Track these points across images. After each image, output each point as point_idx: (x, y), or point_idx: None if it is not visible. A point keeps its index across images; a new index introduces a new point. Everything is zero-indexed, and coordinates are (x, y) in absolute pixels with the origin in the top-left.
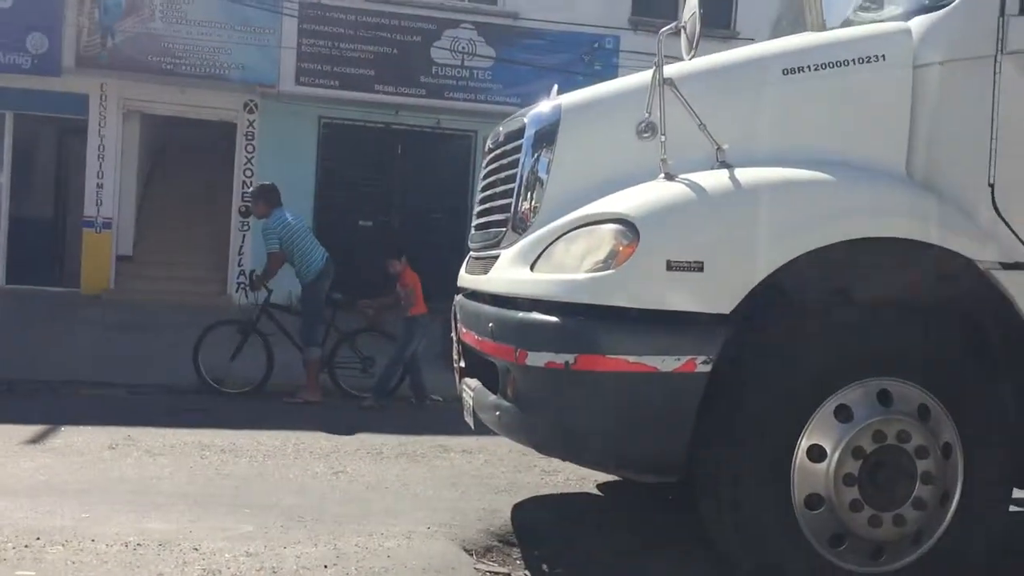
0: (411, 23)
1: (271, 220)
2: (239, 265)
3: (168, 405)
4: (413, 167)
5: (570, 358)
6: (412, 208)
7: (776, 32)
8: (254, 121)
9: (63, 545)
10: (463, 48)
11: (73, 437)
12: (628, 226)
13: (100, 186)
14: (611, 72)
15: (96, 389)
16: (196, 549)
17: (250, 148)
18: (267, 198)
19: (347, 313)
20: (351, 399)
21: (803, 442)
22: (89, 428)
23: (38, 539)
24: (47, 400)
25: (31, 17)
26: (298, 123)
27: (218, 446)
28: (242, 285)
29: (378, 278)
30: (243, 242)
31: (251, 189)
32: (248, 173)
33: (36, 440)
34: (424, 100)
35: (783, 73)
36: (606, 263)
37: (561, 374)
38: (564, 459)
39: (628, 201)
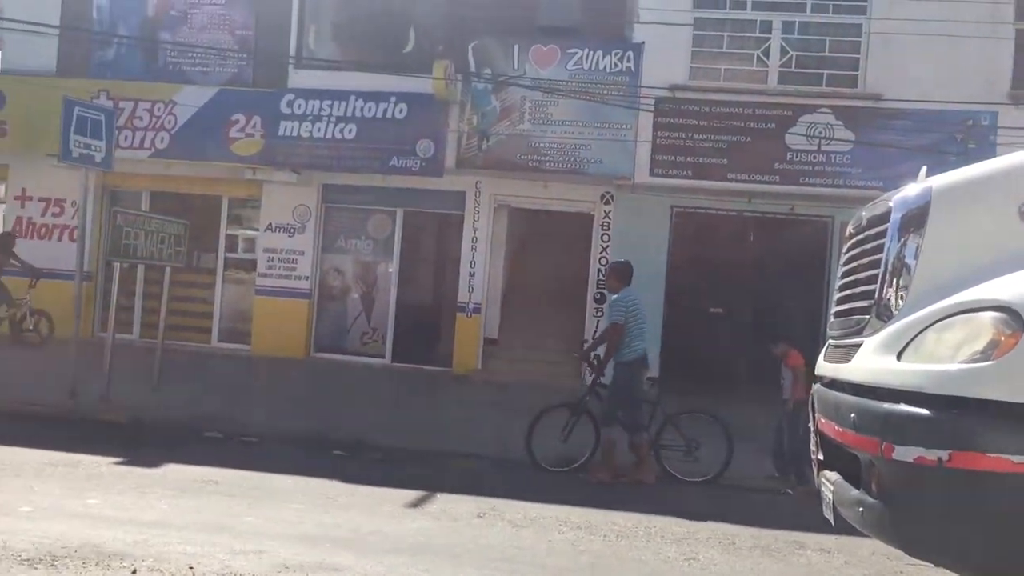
0: (766, 111)
1: (622, 294)
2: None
3: (528, 479)
4: (766, 254)
5: (943, 454)
6: (765, 295)
7: None
8: (609, 212)
9: None
10: (820, 133)
11: (446, 504)
12: (1011, 314)
13: (472, 274)
14: (988, 151)
15: (465, 460)
16: None
17: (605, 238)
18: (620, 274)
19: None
20: (676, 482)
21: None
22: (460, 496)
23: None
24: (423, 468)
25: (421, 126)
26: (651, 213)
27: (574, 522)
28: (588, 368)
29: (730, 362)
30: (596, 327)
31: (608, 264)
32: (603, 261)
33: (416, 504)
34: (778, 187)
35: None
36: (984, 354)
37: (933, 471)
38: (938, 565)
39: (1011, 287)
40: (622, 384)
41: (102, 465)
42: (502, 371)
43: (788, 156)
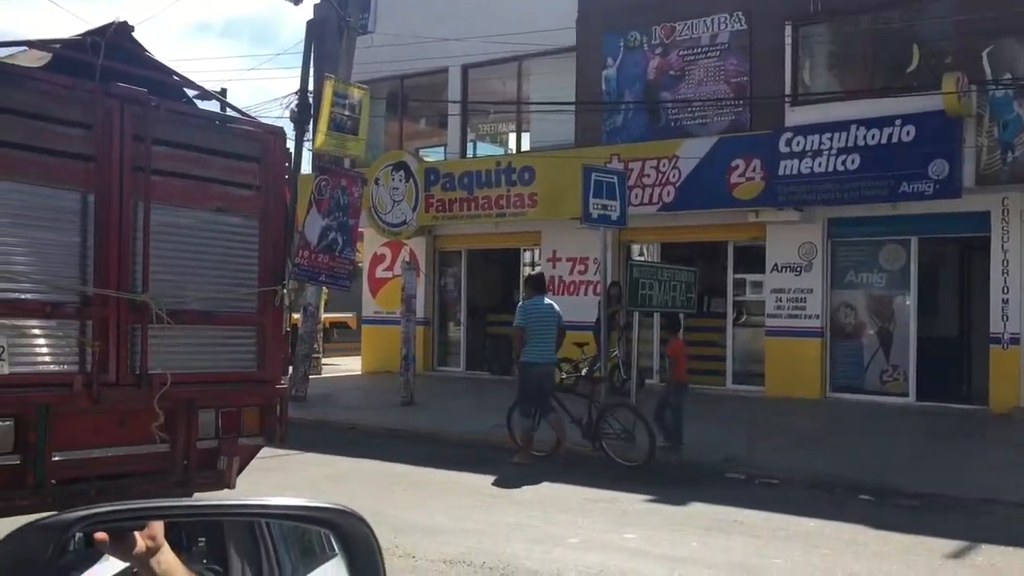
0: None
1: (528, 301)
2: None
3: None
4: None
5: None
6: None
7: None
8: None
9: None
10: None
11: (994, 556)
12: None
13: (1005, 301)
14: None
15: (1014, 510)
16: None
17: None
18: (530, 285)
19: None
20: (616, 466)
21: None
22: (1013, 550)
23: None
24: (964, 516)
25: (932, 146)
26: None
27: None
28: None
29: None
30: None
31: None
32: None
33: (957, 555)
34: None
35: None
36: None
37: None
38: None
39: None
40: (521, 381)
41: (635, 503)
42: None
43: None
